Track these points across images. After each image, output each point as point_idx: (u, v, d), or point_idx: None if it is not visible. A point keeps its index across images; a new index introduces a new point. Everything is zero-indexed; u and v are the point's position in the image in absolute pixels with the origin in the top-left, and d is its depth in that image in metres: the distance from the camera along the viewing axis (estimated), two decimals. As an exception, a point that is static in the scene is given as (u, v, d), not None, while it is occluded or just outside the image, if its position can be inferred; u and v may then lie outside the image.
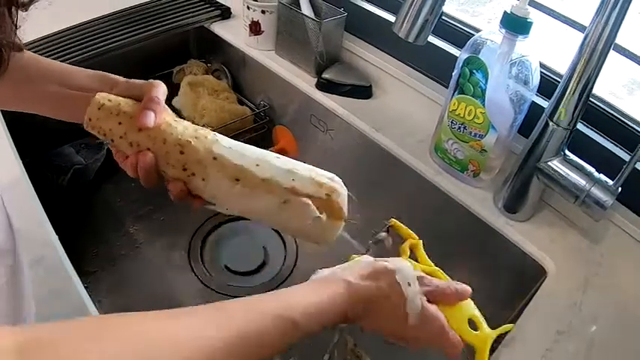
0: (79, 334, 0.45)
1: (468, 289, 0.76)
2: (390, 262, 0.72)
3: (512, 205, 1.03)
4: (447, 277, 0.80)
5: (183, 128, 0.73)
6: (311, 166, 0.78)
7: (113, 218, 1.44)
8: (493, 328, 0.74)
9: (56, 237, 0.91)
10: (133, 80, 0.76)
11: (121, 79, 0.77)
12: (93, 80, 0.77)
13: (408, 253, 0.81)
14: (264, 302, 0.60)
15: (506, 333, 0.79)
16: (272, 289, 1.29)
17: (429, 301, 0.71)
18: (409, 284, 0.69)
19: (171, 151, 0.71)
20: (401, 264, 0.72)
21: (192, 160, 0.71)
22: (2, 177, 0.98)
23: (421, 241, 0.83)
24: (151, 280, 1.30)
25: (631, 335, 0.86)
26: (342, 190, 0.76)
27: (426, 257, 0.82)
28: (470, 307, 0.75)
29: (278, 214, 0.73)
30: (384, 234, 0.84)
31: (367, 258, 0.75)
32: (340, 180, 0.78)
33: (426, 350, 1.22)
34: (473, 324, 0.74)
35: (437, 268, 0.81)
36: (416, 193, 1.18)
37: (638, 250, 0.98)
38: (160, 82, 0.75)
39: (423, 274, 0.74)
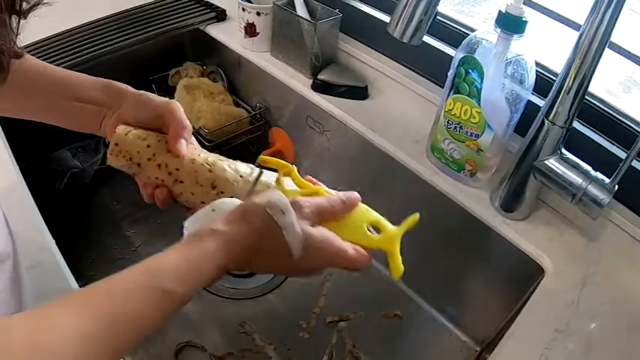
0: None
1: (355, 194, 0.71)
2: (259, 197, 0.66)
3: (509, 204, 1.03)
4: (332, 192, 0.74)
5: (207, 153, 0.75)
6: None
7: (110, 222, 1.44)
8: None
9: (53, 241, 0.91)
10: (143, 98, 0.75)
11: (128, 90, 0.76)
12: (99, 91, 0.76)
13: (284, 183, 0.73)
14: (127, 277, 0.54)
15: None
16: (271, 291, 1.30)
17: (316, 223, 0.67)
18: (282, 213, 0.62)
19: (199, 170, 0.72)
20: (270, 195, 0.65)
21: (222, 179, 0.72)
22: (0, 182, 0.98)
23: (294, 166, 0.74)
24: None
25: (629, 333, 0.86)
26: None
27: (304, 180, 0.74)
28: (365, 214, 0.71)
29: None
30: (251, 171, 0.75)
31: (233, 200, 0.68)
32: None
33: (424, 350, 1.23)
34: (377, 230, 0.71)
35: (319, 187, 0.74)
36: (413, 193, 1.18)
37: (635, 247, 0.99)
38: (177, 103, 0.74)
39: (298, 199, 0.67)
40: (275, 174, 0.75)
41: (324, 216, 0.68)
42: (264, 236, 0.62)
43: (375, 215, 0.72)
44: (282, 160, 0.74)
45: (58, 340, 0.46)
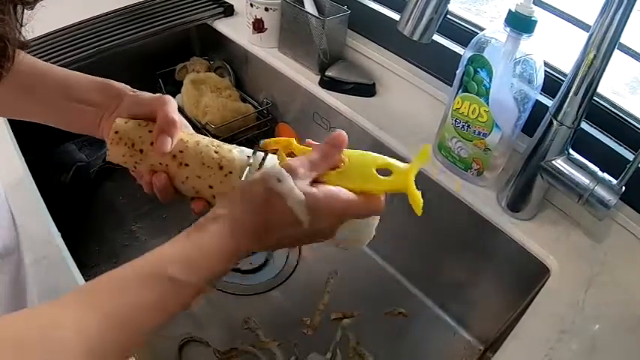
0: None
1: (340, 132, 0.68)
2: (256, 173, 0.64)
3: (515, 204, 1.03)
4: None
5: (210, 139, 0.73)
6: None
7: (115, 216, 1.44)
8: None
9: (59, 235, 0.91)
10: (138, 96, 0.74)
11: (126, 90, 0.75)
12: (97, 92, 0.75)
13: (285, 156, 0.69)
14: (130, 269, 0.54)
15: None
16: (275, 287, 1.30)
17: (317, 182, 0.65)
18: (279, 180, 0.61)
19: (204, 151, 0.70)
20: (266, 168, 0.65)
21: (229, 158, 0.70)
22: (5, 175, 0.98)
23: (292, 138, 0.71)
24: (153, 277, 1.30)
25: (634, 334, 0.86)
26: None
27: (304, 147, 0.71)
28: (371, 160, 0.68)
29: None
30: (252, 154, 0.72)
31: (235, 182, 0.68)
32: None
33: (428, 348, 1.22)
34: (386, 172, 0.67)
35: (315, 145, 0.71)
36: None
37: (641, 249, 0.99)
38: (169, 97, 0.72)
39: (289, 162, 0.64)
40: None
41: (318, 166, 0.65)
42: (268, 209, 0.61)
43: (382, 158, 0.69)
44: (280, 138, 0.72)
45: (67, 336, 0.46)
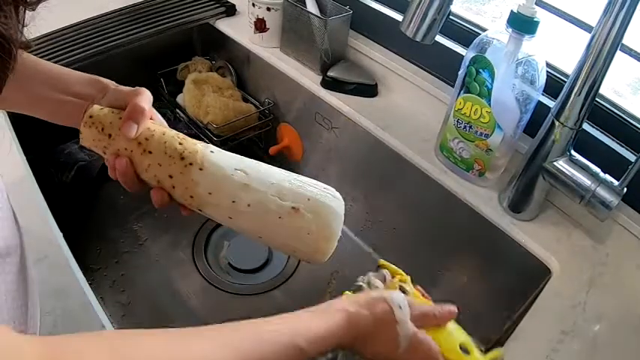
0: (101, 350, 0.47)
1: (454, 307, 0.77)
2: (383, 291, 0.75)
3: (517, 205, 1.03)
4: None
5: (177, 132, 0.74)
6: (301, 178, 0.77)
7: (117, 215, 1.45)
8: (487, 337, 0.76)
9: (60, 234, 0.91)
10: (120, 88, 0.76)
11: (111, 85, 0.77)
12: (85, 85, 0.77)
13: (398, 289, 0.81)
14: (274, 328, 0.62)
15: (501, 339, 0.80)
16: (277, 287, 1.30)
17: (419, 327, 0.73)
18: (400, 307, 0.70)
19: (169, 141, 0.71)
20: (392, 291, 0.74)
21: (191, 150, 0.71)
22: (7, 174, 0.98)
23: (409, 277, 0.84)
24: (154, 277, 1.31)
25: (635, 335, 0.86)
26: (331, 208, 0.74)
27: (416, 290, 0.82)
28: (460, 334, 0.77)
29: (267, 229, 0.74)
30: (371, 274, 0.84)
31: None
32: (341, 199, 0.77)
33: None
34: (464, 350, 0.75)
35: (426, 300, 0.82)
36: (421, 191, 1.18)
37: (642, 250, 0.99)
38: (144, 89, 0.75)
39: (412, 300, 0.75)
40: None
41: (427, 320, 0.74)
42: (381, 325, 0.69)
43: (467, 337, 0.76)
44: (399, 269, 0.84)
45: None
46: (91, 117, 0.72)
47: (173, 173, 0.71)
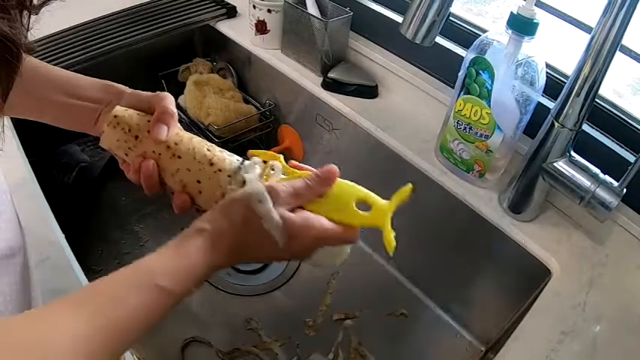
0: None
1: (331, 167, 0.70)
2: (239, 191, 0.67)
3: (517, 206, 1.04)
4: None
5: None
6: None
7: (118, 216, 1.45)
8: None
9: (62, 236, 0.91)
10: (138, 92, 0.76)
11: (126, 90, 0.77)
12: (98, 90, 0.77)
13: (271, 172, 0.72)
14: (123, 276, 0.57)
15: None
16: (276, 289, 1.31)
17: (298, 208, 0.68)
18: (260, 202, 0.63)
19: (197, 147, 0.72)
20: (248, 186, 0.67)
21: (220, 157, 0.72)
22: (9, 176, 0.98)
23: (281, 155, 0.74)
24: (155, 278, 1.31)
25: (635, 335, 0.86)
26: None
27: (290, 167, 0.74)
28: (351, 191, 0.70)
29: None
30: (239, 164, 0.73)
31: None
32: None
33: (430, 349, 1.23)
34: (363, 206, 0.69)
35: (305, 172, 0.73)
36: (421, 192, 1.18)
37: (642, 250, 0.99)
38: (167, 94, 0.74)
39: (274, 185, 0.66)
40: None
41: (302, 196, 0.68)
42: (246, 228, 0.63)
43: (363, 191, 0.70)
44: (269, 152, 0.75)
45: (63, 340, 0.47)
46: (115, 117, 0.72)
47: (201, 178, 0.71)
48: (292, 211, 0.66)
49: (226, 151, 0.74)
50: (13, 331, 0.46)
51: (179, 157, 0.71)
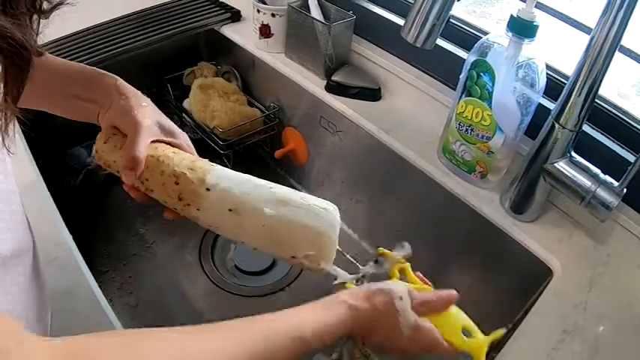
0: (114, 349, 0.48)
1: (454, 292, 0.79)
2: (382, 284, 0.75)
3: (518, 206, 1.04)
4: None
5: (180, 160, 0.76)
6: (305, 196, 0.78)
7: (124, 219, 1.46)
8: (490, 331, 0.76)
9: (70, 237, 0.92)
10: (122, 105, 0.77)
11: (113, 93, 0.78)
12: (89, 88, 0.80)
13: (398, 275, 0.84)
14: (281, 322, 0.64)
15: (503, 339, 0.80)
16: (281, 289, 1.32)
17: (420, 314, 0.74)
18: (400, 298, 0.72)
19: (167, 182, 0.75)
20: (392, 283, 0.76)
21: (187, 191, 0.74)
22: (18, 178, 0.99)
23: (409, 263, 0.85)
24: (161, 279, 1.32)
25: (636, 335, 0.87)
26: (332, 232, 0.77)
27: (415, 277, 0.84)
28: (462, 318, 0.78)
29: (271, 245, 0.77)
30: (372, 264, 0.86)
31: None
32: (335, 210, 0.79)
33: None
34: (467, 333, 0.77)
35: (426, 286, 0.83)
36: (424, 193, 1.19)
37: (643, 250, 0.99)
38: (144, 125, 0.76)
39: (411, 289, 0.76)
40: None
41: (428, 307, 0.76)
42: (383, 316, 0.71)
43: (469, 321, 0.78)
44: (398, 256, 0.85)
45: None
46: (97, 152, 0.79)
47: (177, 207, 0.76)
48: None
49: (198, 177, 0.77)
50: (175, 343, 0.54)
51: (152, 190, 0.77)
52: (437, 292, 0.79)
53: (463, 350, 0.75)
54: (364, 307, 0.70)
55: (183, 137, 0.82)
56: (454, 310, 0.79)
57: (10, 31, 0.41)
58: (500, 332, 0.77)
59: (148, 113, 0.78)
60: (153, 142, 0.77)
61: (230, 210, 0.74)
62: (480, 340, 0.76)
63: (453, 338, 0.75)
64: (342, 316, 0.68)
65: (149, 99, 0.81)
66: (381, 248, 0.86)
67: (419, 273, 0.85)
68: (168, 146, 0.79)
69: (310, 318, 0.66)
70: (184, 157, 0.77)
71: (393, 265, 0.84)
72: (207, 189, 0.74)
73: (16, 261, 0.60)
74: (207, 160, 0.79)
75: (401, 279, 0.83)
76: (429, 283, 0.84)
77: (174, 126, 0.82)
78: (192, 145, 0.84)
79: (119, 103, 0.77)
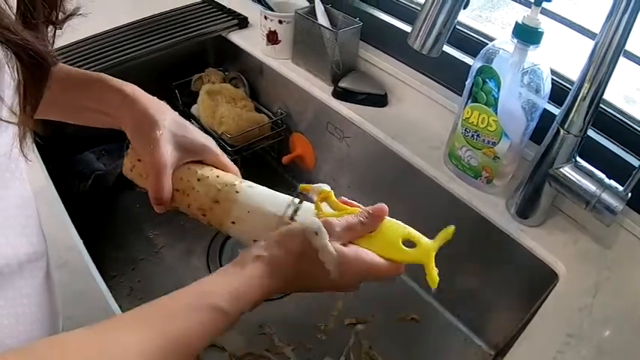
0: (36, 357, 0.47)
1: (383, 206, 0.75)
2: (294, 223, 0.71)
3: (524, 211, 1.05)
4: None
5: (206, 191, 0.76)
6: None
7: (133, 223, 1.47)
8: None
9: (81, 241, 0.93)
10: (140, 136, 0.76)
11: (128, 122, 0.77)
12: (111, 107, 0.78)
13: (322, 207, 0.77)
14: (181, 296, 0.60)
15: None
16: (288, 294, 1.32)
17: (349, 241, 0.71)
18: (316, 234, 0.67)
19: (195, 213, 0.77)
20: (305, 220, 0.71)
21: (214, 222, 0.76)
22: (29, 183, 1.00)
23: (331, 191, 0.78)
24: (170, 284, 1.31)
25: (641, 339, 0.87)
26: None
27: (340, 203, 0.77)
28: (399, 229, 0.74)
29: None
30: (296, 201, 0.78)
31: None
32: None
33: (440, 354, 1.24)
34: (410, 244, 0.74)
35: (355, 208, 0.77)
36: (430, 199, 1.20)
37: (647, 254, 1.00)
38: (166, 162, 0.74)
39: (330, 220, 0.71)
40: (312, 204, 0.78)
41: (355, 231, 0.72)
42: (302, 259, 0.67)
43: (409, 230, 0.75)
44: (320, 186, 0.78)
45: (124, 355, 0.51)
46: (126, 175, 0.81)
47: (204, 221, 0.77)
48: (344, 245, 0.70)
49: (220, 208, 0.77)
50: (80, 343, 0.50)
51: (180, 210, 0.79)
52: (363, 211, 0.74)
53: (408, 262, 0.72)
54: (277, 255, 0.66)
55: (210, 147, 0.82)
56: (389, 224, 0.75)
57: (31, 43, 0.42)
58: (449, 230, 0.74)
59: (165, 138, 0.75)
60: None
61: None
62: (425, 246, 0.73)
63: (392, 254, 0.72)
64: (256, 271, 0.64)
65: (166, 107, 0.81)
66: (302, 184, 0.79)
67: (343, 197, 0.79)
68: (194, 171, 0.78)
69: (221, 283, 0.63)
70: (210, 186, 0.77)
71: (317, 197, 0.78)
72: (233, 222, 0.75)
73: (32, 265, 0.61)
74: (232, 179, 0.78)
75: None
76: (356, 204, 0.78)
77: (200, 138, 0.82)
78: (220, 152, 0.84)
79: (132, 123, 0.76)
